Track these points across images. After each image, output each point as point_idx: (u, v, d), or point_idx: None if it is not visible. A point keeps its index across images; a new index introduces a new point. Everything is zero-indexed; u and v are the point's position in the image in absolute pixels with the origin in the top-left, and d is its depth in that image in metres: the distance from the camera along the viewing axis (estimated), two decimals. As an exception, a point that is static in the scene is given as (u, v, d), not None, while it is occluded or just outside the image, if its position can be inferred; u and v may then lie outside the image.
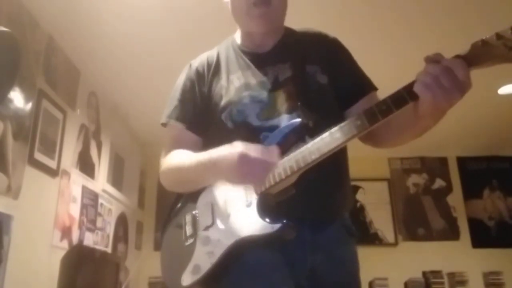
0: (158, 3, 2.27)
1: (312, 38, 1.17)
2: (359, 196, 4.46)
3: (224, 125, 1.06)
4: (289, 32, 1.19)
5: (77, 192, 2.74)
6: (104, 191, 3.22)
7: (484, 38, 0.74)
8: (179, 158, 1.07)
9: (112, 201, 3.43)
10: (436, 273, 4.10)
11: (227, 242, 0.93)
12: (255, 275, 0.91)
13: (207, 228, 0.99)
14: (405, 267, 4.16)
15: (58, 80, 2.53)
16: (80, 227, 2.74)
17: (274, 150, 0.89)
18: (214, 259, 0.94)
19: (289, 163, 0.90)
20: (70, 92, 2.72)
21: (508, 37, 0.71)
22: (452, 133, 3.87)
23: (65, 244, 2.51)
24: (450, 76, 0.75)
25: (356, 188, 4.44)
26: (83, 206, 2.81)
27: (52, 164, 2.41)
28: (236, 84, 1.09)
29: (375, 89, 1.13)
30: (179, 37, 2.53)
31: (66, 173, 2.58)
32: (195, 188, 1.05)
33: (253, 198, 0.94)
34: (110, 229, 3.35)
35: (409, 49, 2.59)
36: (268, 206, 0.93)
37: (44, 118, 2.33)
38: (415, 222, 4.49)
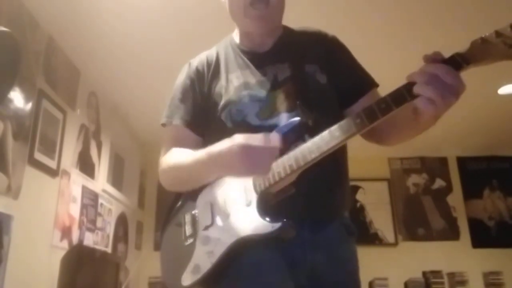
0: (158, 3, 2.27)
1: (311, 37, 1.17)
2: (359, 196, 4.46)
3: (223, 124, 1.06)
4: (288, 31, 1.19)
5: (77, 192, 2.74)
6: (104, 191, 3.22)
7: (483, 36, 0.74)
8: (178, 157, 1.06)
9: (112, 201, 3.43)
10: (436, 273, 4.10)
11: (227, 241, 0.93)
12: (255, 275, 0.91)
13: (206, 227, 0.98)
14: (405, 267, 4.16)
15: (58, 80, 2.53)
16: (80, 227, 2.74)
17: (275, 136, 0.88)
18: (214, 258, 0.93)
19: (289, 162, 0.90)
20: (70, 92, 2.72)
21: (507, 35, 0.71)
22: (452, 133, 3.87)
23: (65, 244, 2.51)
24: (438, 82, 0.75)
25: (356, 188, 4.44)
26: (83, 206, 2.81)
27: (52, 164, 2.41)
28: (235, 84, 1.09)
29: (376, 86, 1.12)
30: (179, 37, 2.53)
31: (66, 173, 2.58)
32: (195, 186, 1.04)
33: (253, 197, 0.94)
34: (110, 229, 3.35)
35: (412, 46, 2.58)
36: (268, 205, 0.92)
37: (44, 118, 2.33)
38: (415, 222, 4.49)
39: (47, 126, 2.36)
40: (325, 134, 0.87)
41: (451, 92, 0.75)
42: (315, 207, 1.00)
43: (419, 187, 4.65)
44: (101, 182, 3.17)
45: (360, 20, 2.45)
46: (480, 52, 0.75)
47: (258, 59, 1.12)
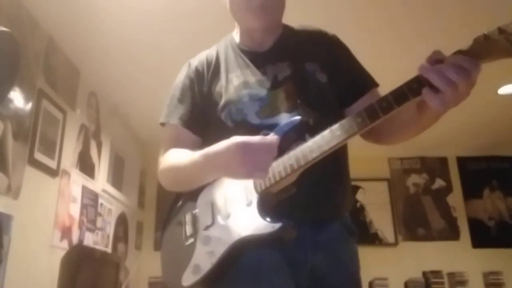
0: (158, 4, 2.27)
1: (311, 36, 1.16)
2: (359, 196, 4.47)
3: (223, 124, 1.05)
4: (288, 30, 1.18)
5: (77, 192, 2.74)
6: (104, 191, 3.22)
7: (486, 32, 0.73)
8: (177, 157, 1.06)
9: (112, 201, 3.43)
10: (436, 273, 4.10)
11: (228, 241, 0.92)
12: (256, 275, 0.91)
13: (207, 227, 0.98)
14: (405, 267, 4.16)
15: (58, 80, 2.53)
16: (80, 227, 2.74)
17: (273, 137, 0.88)
18: (214, 259, 0.93)
19: (289, 161, 0.89)
20: (70, 92, 2.72)
21: (510, 31, 0.70)
22: (452, 133, 3.87)
23: (65, 244, 2.50)
24: (458, 68, 0.73)
25: (356, 188, 4.44)
26: (83, 206, 2.81)
27: (52, 164, 2.41)
28: (235, 83, 1.08)
29: (376, 85, 1.11)
30: (178, 37, 2.53)
31: (66, 173, 2.58)
32: (194, 187, 1.04)
33: (254, 197, 0.93)
34: (110, 229, 3.35)
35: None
36: (268, 205, 0.92)
37: (44, 118, 2.33)
38: (415, 222, 4.49)
39: (47, 126, 2.36)
40: (326, 133, 0.87)
41: (465, 78, 0.73)
42: (315, 207, 0.99)
43: (419, 187, 4.65)
44: (101, 182, 3.17)
45: (364, 19, 2.44)
46: (483, 49, 0.74)
47: (258, 58, 1.12)
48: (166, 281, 1.04)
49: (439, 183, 4.65)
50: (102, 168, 3.23)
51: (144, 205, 4.38)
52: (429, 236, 4.43)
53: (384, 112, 0.81)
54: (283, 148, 0.91)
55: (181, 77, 1.18)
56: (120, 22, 2.40)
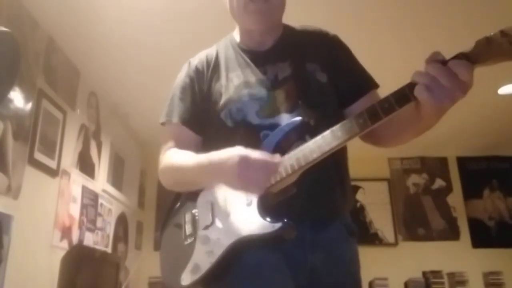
0: (157, 4, 2.27)
1: (311, 36, 1.16)
2: (359, 196, 4.46)
3: (223, 123, 1.05)
4: (288, 30, 1.18)
5: (77, 192, 2.74)
6: (104, 191, 3.22)
7: (488, 35, 0.73)
8: (179, 159, 1.06)
9: (112, 201, 3.43)
10: (436, 273, 4.10)
11: (227, 241, 0.92)
12: (255, 275, 0.91)
13: (206, 227, 0.98)
14: (405, 267, 4.16)
15: (58, 80, 2.53)
16: (80, 227, 2.74)
17: (276, 157, 0.88)
18: (213, 258, 0.93)
19: (290, 162, 0.89)
20: (70, 92, 2.72)
21: None
22: (452, 133, 3.87)
23: (65, 244, 2.51)
24: (450, 76, 0.74)
25: (356, 188, 4.44)
26: (83, 206, 2.81)
27: (52, 164, 2.41)
28: (236, 82, 1.08)
29: (376, 86, 1.11)
30: (178, 38, 2.53)
31: (66, 173, 2.58)
32: (196, 188, 1.05)
33: (254, 197, 0.93)
34: (110, 229, 3.35)
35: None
36: (268, 205, 0.92)
37: (44, 118, 2.33)
38: (415, 222, 4.49)
39: (47, 126, 2.36)
40: (326, 134, 0.87)
41: (459, 87, 0.74)
42: (316, 207, 0.99)
43: (419, 187, 4.65)
44: (101, 182, 3.17)
45: (364, 20, 2.44)
46: (485, 52, 0.73)
47: (258, 58, 1.12)
48: (165, 280, 1.05)
49: (439, 183, 4.65)
50: (102, 168, 3.23)
51: (144, 205, 4.38)
52: (429, 236, 4.43)
53: (386, 113, 0.81)
54: (283, 148, 0.91)
55: (181, 76, 1.18)
56: (120, 22, 2.40)
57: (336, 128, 0.86)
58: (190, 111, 1.12)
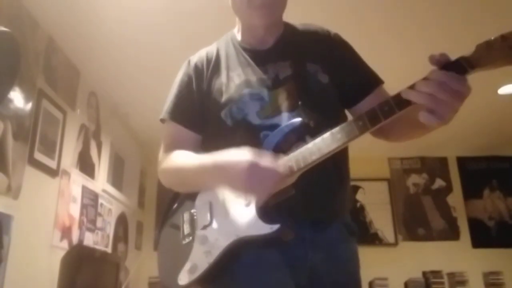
0: (158, 4, 2.27)
1: (313, 35, 1.15)
2: (359, 196, 4.46)
3: (223, 122, 1.04)
4: (290, 29, 1.17)
5: (77, 192, 2.74)
6: (104, 191, 3.22)
7: (488, 39, 0.73)
8: (181, 160, 1.05)
9: (112, 201, 3.43)
10: (436, 273, 4.10)
11: (225, 241, 0.92)
12: (254, 275, 0.91)
13: (205, 227, 0.98)
14: (405, 267, 4.16)
15: (58, 80, 2.53)
16: (80, 227, 2.74)
17: (286, 167, 0.88)
18: (211, 258, 0.93)
19: (289, 163, 0.89)
20: (70, 92, 2.72)
21: None
22: (452, 133, 3.87)
23: (65, 244, 2.50)
24: (446, 90, 0.74)
25: (356, 188, 4.44)
26: (83, 206, 2.81)
27: (52, 164, 2.41)
28: (236, 82, 1.08)
29: (381, 82, 1.11)
30: (178, 37, 2.52)
31: (66, 173, 2.58)
32: (197, 190, 1.04)
33: (252, 198, 0.93)
34: (110, 229, 3.35)
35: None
36: (267, 206, 0.92)
37: (44, 118, 2.33)
38: (415, 222, 4.49)
39: (47, 126, 2.36)
40: (326, 135, 0.87)
41: (457, 97, 0.75)
42: (314, 209, 0.99)
43: (419, 187, 4.65)
44: (101, 182, 3.17)
45: (364, 20, 2.44)
46: (485, 56, 0.74)
47: (259, 56, 1.11)
48: (163, 280, 1.04)
49: (439, 183, 4.65)
50: (102, 168, 3.23)
51: (144, 205, 4.38)
52: (429, 236, 4.43)
53: (385, 116, 0.81)
54: (283, 149, 0.91)
55: (181, 74, 1.18)
56: (120, 22, 2.40)
57: (336, 130, 0.86)
58: (190, 109, 1.12)
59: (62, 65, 2.61)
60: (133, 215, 3.98)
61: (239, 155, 0.88)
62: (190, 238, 1.00)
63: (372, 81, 1.10)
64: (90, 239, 2.90)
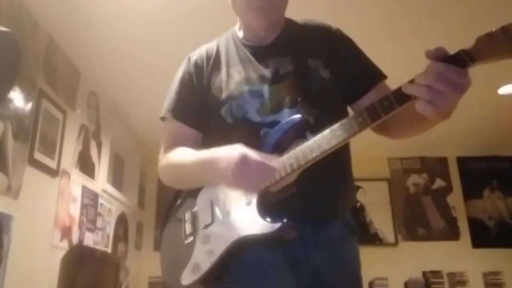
0: (157, 4, 2.27)
1: (314, 30, 1.15)
2: (359, 196, 4.46)
3: (223, 120, 1.04)
4: (291, 24, 1.17)
5: (77, 192, 2.74)
6: (104, 191, 3.22)
7: (489, 32, 0.71)
8: (181, 156, 1.05)
9: (112, 201, 3.43)
10: (436, 273, 4.10)
11: (227, 241, 0.92)
12: (256, 274, 0.90)
13: (206, 226, 0.98)
14: (405, 267, 4.16)
15: (58, 80, 2.53)
16: (80, 227, 2.74)
17: (275, 160, 0.88)
18: (213, 258, 0.92)
19: (289, 161, 0.88)
20: (70, 92, 2.72)
21: None
22: (452, 133, 3.87)
23: (65, 244, 2.50)
24: (444, 81, 0.73)
25: (356, 188, 4.42)
26: (83, 206, 2.81)
27: (52, 164, 2.41)
28: (236, 79, 1.07)
29: (384, 77, 1.10)
30: (178, 37, 2.52)
31: (66, 173, 2.58)
32: (196, 186, 1.04)
33: (253, 197, 0.92)
34: (110, 229, 3.35)
35: (415, 42, 2.57)
36: (268, 205, 0.91)
37: (44, 118, 2.33)
38: (415, 222, 4.49)
39: (47, 126, 2.36)
40: (326, 132, 0.86)
41: (456, 89, 0.73)
42: (316, 206, 0.98)
43: (419, 187, 4.65)
44: (101, 182, 3.17)
45: (361, 18, 2.44)
46: (486, 49, 0.72)
47: (260, 52, 1.11)
48: (165, 280, 1.04)
49: (439, 183, 4.65)
50: (102, 168, 3.23)
51: (144, 205, 4.38)
52: (429, 236, 4.43)
53: (385, 112, 0.80)
54: (283, 146, 0.91)
55: (180, 71, 1.17)
56: (120, 22, 2.40)
57: (336, 126, 0.85)
58: (190, 107, 1.12)
59: (62, 65, 2.61)
60: (133, 215, 3.98)
61: (231, 149, 0.89)
62: (192, 237, 0.99)
63: (374, 75, 1.10)
64: (90, 239, 2.90)
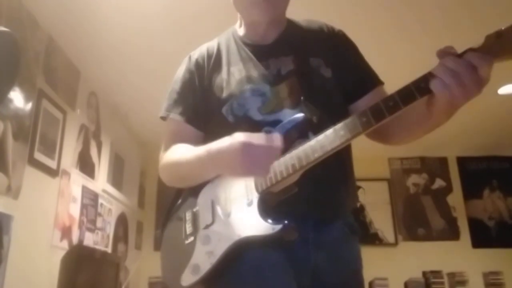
0: (156, 8, 2.27)
1: (316, 30, 1.14)
2: (359, 196, 4.46)
3: (224, 119, 1.03)
4: (292, 24, 1.17)
5: (77, 192, 2.73)
6: (104, 191, 3.22)
7: (499, 30, 0.70)
8: (179, 153, 1.04)
9: (112, 201, 3.42)
10: (436, 273, 4.10)
11: (227, 242, 0.91)
12: (257, 275, 0.90)
13: (207, 226, 0.97)
14: (405, 267, 4.16)
15: (58, 80, 2.53)
16: (80, 227, 2.74)
17: (277, 137, 0.85)
18: (214, 259, 0.92)
19: (291, 161, 0.87)
20: (70, 92, 2.72)
21: None
22: (452, 133, 3.86)
23: (65, 244, 2.50)
24: (472, 73, 0.71)
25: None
26: (83, 206, 2.81)
27: (52, 164, 2.41)
28: (237, 77, 1.06)
29: (381, 83, 1.10)
30: (177, 39, 2.52)
31: (66, 173, 2.58)
32: (195, 183, 1.03)
33: (254, 197, 0.92)
34: (110, 229, 3.35)
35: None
36: (269, 205, 0.91)
37: (44, 118, 2.33)
38: (415, 222, 4.49)
39: (47, 126, 2.36)
40: (329, 132, 0.85)
41: (478, 84, 0.72)
42: (318, 207, 0.98)
43: (419, 187, 4.65)
44: (101, 182, 3.17)
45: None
46: (495, 47, 0.70)
47: (261, 51, 1.10)
48: (166, 280, 1.03)
49: (439, 183, 4.65)
50: (102, 168, 3.22)
51: (144, 205, 4.37)
52: (429, 236, 4.43)
53: (390, 111, 0.79)
54: (285, 146, 0.90)
55: (181, 70, 1.17)
56: (120, 23, 2.40)
57: (339, 126, 0.84)
58: (191, 106, 1.11)
59: (62, 65, 2.61)
60: (133, 215, 3.98)
61: (230, 140, 0.86)
62: (193, 238, 0.98)
63: (371, 81, 1.10)
64: (90, 239, 2.90)
